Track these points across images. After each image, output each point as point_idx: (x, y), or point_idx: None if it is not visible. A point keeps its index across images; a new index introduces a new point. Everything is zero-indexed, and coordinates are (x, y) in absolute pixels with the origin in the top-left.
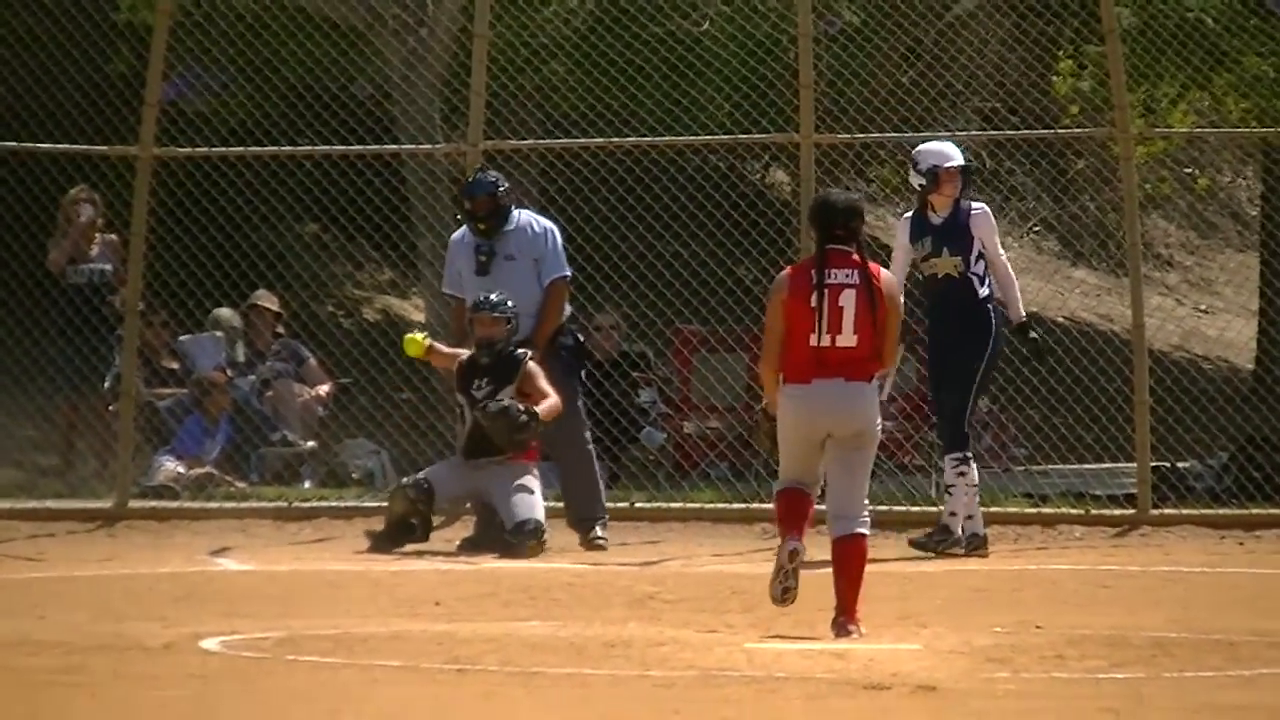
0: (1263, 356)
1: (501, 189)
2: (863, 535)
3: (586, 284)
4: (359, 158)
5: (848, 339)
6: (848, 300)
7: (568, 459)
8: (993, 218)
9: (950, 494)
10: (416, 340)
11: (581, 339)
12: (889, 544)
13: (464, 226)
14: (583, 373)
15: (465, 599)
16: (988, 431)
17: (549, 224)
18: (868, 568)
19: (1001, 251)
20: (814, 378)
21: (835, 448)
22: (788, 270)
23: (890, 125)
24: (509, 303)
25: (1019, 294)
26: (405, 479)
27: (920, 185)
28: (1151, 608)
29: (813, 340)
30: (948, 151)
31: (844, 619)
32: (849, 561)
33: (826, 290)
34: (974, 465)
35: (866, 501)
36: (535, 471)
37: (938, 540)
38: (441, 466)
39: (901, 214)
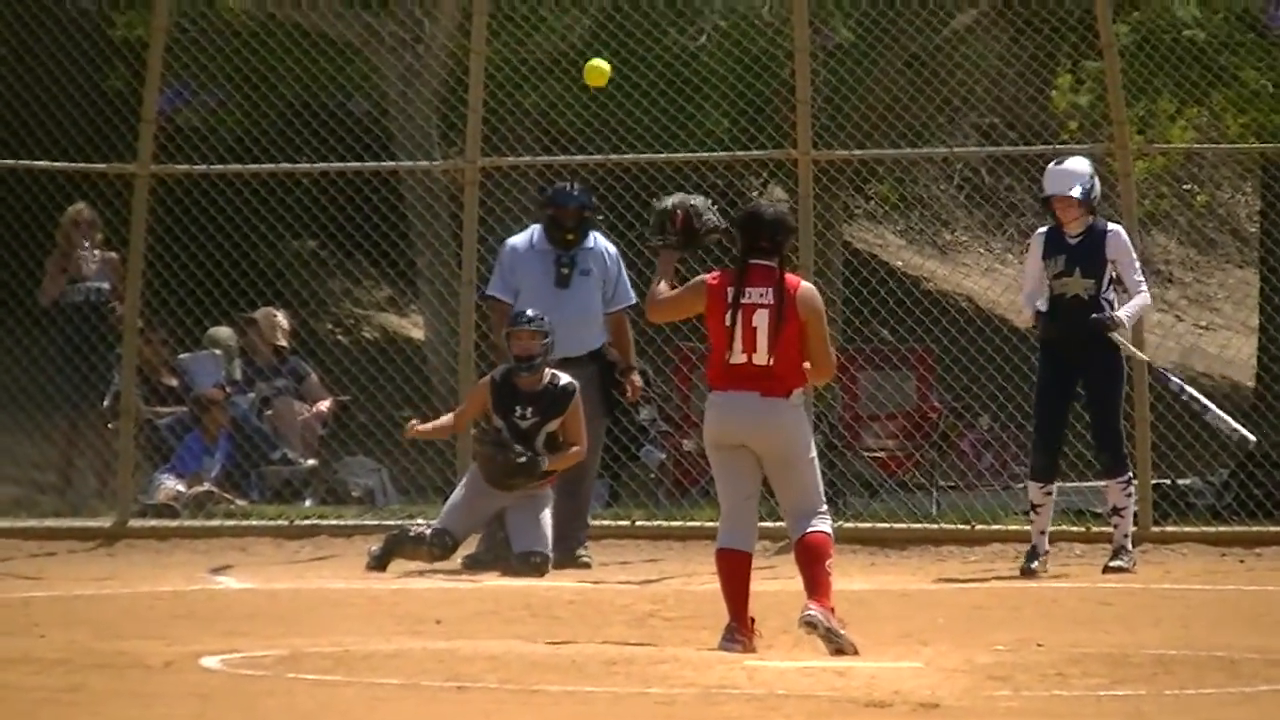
0: (1263, 373)
1: (589, 204)
2: (821, 531)
3: None
4: (356, 174)
5: (762, 357)
6: (761, 320)
7: (576, 474)
8: (1127, 238)
9: (1122, 516)
10: (602, 69)
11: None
12: (890, 563)
13: (525, 234)
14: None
15: (466, 617)
16: (989, 450)
17: (615, 250)
18: (869, 586)
19: (1141, 277)
20: (729, 388)
21: (768, 468)
22: (710, 279)
23: (888, 141)
24: (545, 318)
25: (1138, 312)
26: (425, 530)
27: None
28: (1152, 625)
29: (727, 357)
30: (1069, 181)
31: (809, 601)
32: (807, 551)
33: (741, 310)
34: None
35: (824, 506)
36: (551, 498)
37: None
38: (456, 506)
39: (1036, 230)
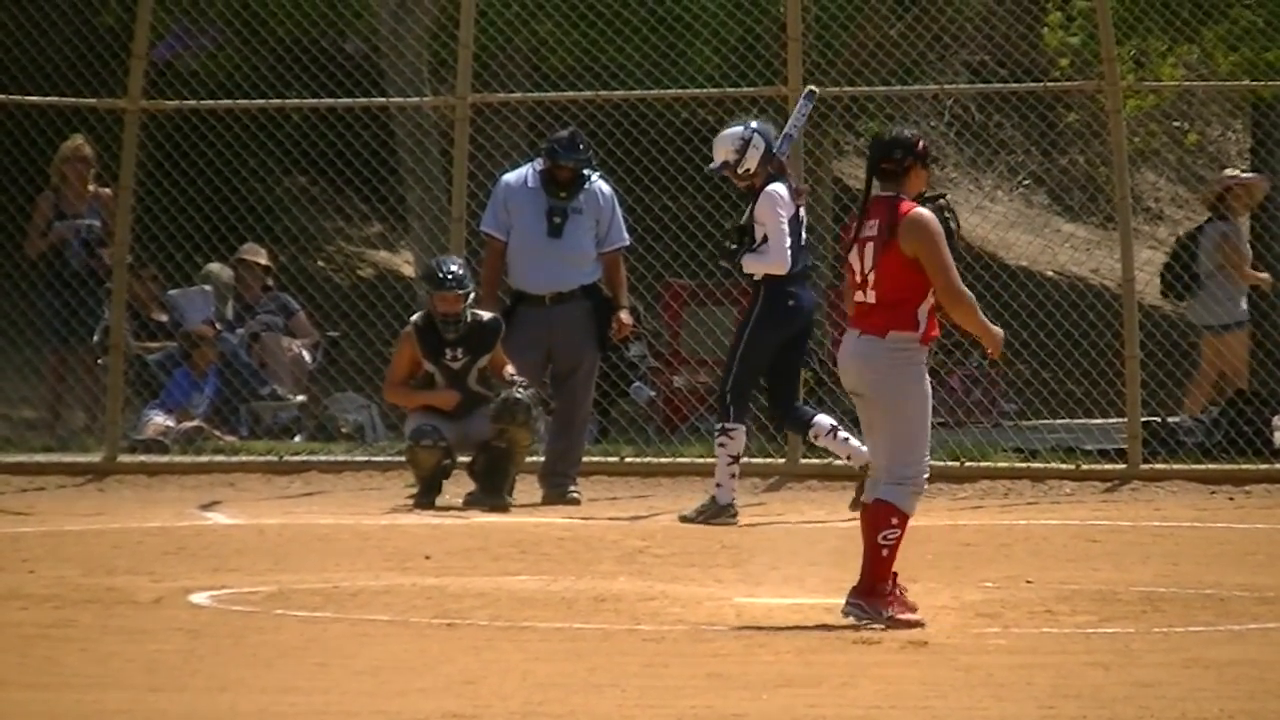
0: (1252, 311)
1: (588, 162)
2: (881, 500)
3: None
4: (347, 110)
5: (868, 294)
6: (867, 255)
7: (569, 410)
8: (773, 199)
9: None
10: None
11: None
12: None
13: (521, 170)
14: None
15: (455, 553)
16: (978, 386)
17: (610, 190)
18: (857, 523)
19: (766, 234)
20: (850, 327)
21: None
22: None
23: (879, 78)
24: (464, 275)
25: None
26: (417, 436)
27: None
28: (1141, 563)
29: (858, 296)
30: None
31: (851, 597)
32: (863, 520)
33: (855, 245)
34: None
35: (908, 469)
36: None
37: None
38: (429, 415)
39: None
